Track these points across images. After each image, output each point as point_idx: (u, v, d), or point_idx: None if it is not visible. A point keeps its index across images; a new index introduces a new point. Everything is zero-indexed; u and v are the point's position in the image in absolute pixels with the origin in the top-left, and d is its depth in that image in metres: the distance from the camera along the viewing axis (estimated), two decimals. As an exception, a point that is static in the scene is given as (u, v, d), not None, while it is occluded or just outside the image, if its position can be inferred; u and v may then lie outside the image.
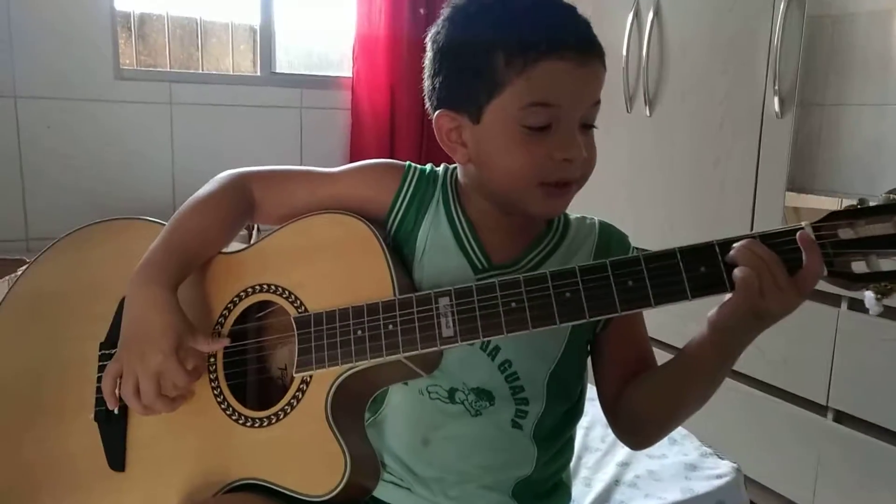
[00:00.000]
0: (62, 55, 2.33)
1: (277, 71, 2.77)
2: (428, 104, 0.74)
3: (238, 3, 2.72)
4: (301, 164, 3.02)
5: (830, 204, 1.67)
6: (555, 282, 0.63)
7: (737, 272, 0.59)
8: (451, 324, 0.65)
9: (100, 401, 0.73)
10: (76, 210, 2.38)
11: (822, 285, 0.61)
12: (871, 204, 0.60)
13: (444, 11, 0.72)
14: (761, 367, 1.59)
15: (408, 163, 0.79)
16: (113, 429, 0.73)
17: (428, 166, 0.80)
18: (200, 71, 2.69)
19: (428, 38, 0.73)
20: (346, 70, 2.81)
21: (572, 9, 0.69)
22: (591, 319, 0.62)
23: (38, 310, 0.80)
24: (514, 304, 0.64)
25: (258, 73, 2.75)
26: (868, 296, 0.64)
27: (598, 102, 0.69)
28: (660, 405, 0.71)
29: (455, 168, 0.78)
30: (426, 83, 0.73)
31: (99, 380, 0.71)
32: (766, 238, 0.60)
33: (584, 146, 0.68)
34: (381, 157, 3.27)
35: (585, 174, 0.71)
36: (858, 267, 0.60)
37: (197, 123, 2.58)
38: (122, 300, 0.72)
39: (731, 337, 0.63)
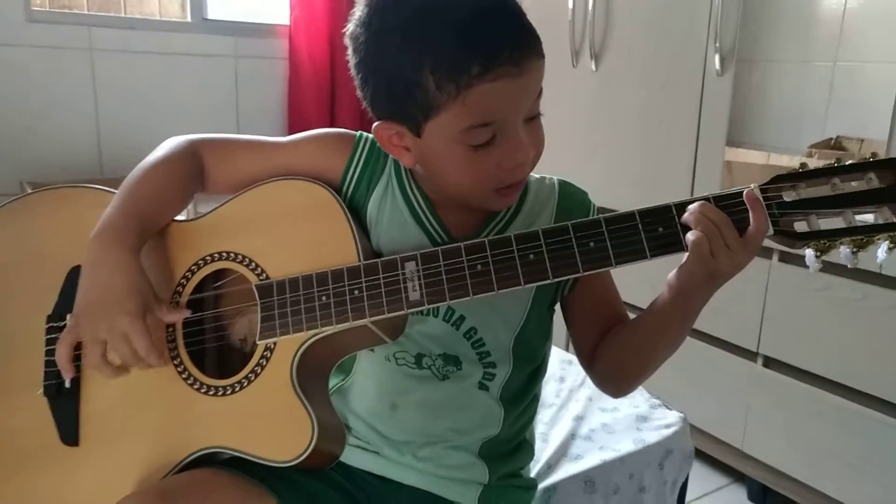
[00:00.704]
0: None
1: (209, 17, 2.61)
2: (364, 105, 0.68)
3: (162, -61, 2.54)
4: (237, 117, 2.86)
5: (760, 158, 1.73)
6: (519, 244, 0.64)
7: (689, 236, 0.61)
8: (417, 287, 0.65)
9: (49, 374, 0.70)
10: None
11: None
12: (811, 168, 0.63)
13: (358, 5, 0.65)
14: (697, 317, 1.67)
15: (359, 133, 0.77)
16: (64, 403, 0.70)
17: None
18: (122, 15, 2.50)
19: (347, 36, 0.66)
20: (283, 17, 2.68)
21: (500, 3, 0.62)
22: (555, 280, 0.64)
23: None
24: (479, 267, 0.65)
25: (189, 20, 2.58)
26: (809, 253, 0.68)
27: (540, 93, 0.66)
28: (631, 359, 0.74)
29: None
30: (357, 84, 0.67)
31: (48, 353, 0.68)
32: (719, 200, 0.63)
33: (530, 141, 0.65)
34: (321, 111, 3.11)
35: (535, 163, 0.69)
36: (800, 227, 0.64)
37: (122, 73, 2.41)
38: (70, 271, 0.68)
39: (687, 297, 0.66)
